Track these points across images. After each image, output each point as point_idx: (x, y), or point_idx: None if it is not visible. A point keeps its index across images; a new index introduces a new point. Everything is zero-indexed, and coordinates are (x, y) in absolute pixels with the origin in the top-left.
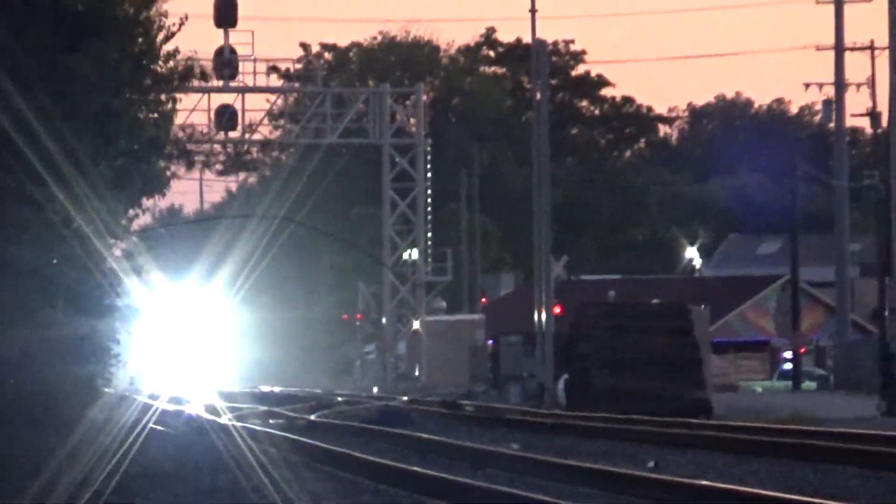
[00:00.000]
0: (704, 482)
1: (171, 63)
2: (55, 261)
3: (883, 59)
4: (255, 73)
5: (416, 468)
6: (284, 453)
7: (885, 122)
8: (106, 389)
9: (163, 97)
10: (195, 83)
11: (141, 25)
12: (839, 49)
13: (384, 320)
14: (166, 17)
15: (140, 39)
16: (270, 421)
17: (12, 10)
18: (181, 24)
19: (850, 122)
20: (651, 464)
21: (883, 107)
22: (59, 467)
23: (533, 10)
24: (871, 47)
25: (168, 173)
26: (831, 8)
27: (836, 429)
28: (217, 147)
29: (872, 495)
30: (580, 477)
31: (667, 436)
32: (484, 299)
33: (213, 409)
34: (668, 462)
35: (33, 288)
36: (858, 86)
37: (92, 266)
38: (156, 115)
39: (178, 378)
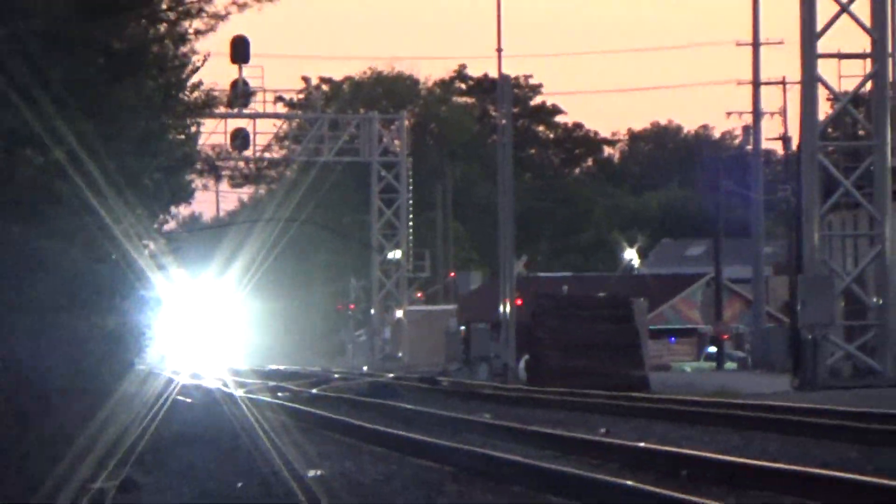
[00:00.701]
0: (648, 445)
1: (196, 93)
2: (111, 258)
3: (794, 92)
4: (264, 101)
5: (405, 433)
6: (292, 421)
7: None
8: (139, 367)
9: (188, 121)
10: (222, 109)
11: (177, 60)
12: (756, 84)
13: (372, 310)
14: (194, 53)
15: (170, 73)
16: (278, 394)
17: (71, 51)
18: (204, 60)
19: (765, 144)
20: (603, 430)
21: (794, 132)
22: (101, 428)
23: (499, 50)
24: (783, 82)
25: (193, 185)
26: (749, 49)
27: (757, 401)
28: (242, 163)
29: (790, 457)
30: (544, 441)
31: (613, 407)
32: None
33: (228, 384)
34: (616, 429)
35: (84, 284)
36: (772, 114)
37: (125, 265)
38: (183, 136)
39: (196, 358)
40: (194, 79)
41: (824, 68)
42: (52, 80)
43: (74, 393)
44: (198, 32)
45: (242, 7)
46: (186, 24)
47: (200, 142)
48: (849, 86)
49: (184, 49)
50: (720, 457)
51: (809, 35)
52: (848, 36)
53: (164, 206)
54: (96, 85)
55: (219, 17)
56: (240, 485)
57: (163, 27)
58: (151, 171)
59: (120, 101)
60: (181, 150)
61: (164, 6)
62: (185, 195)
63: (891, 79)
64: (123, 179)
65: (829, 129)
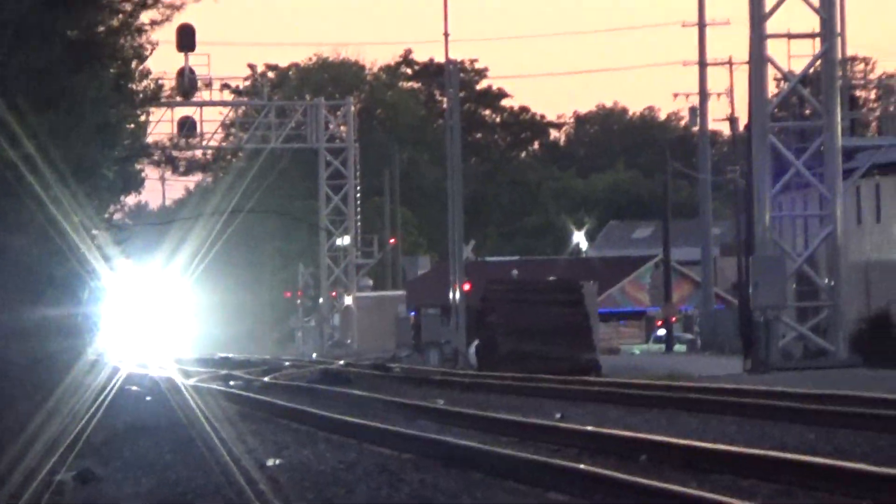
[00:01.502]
0: (606, 429)
1: (144, 82)
2: (63, 251)
3: (740, 73)
4: (210, 89)
5: (361, 420)
6: (247, 409)
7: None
8: (89, 358)
9: (138, 111)
10: (178, 99)
11: (132, 50)
12: (702, 64)
13: (321, 298)
14: (150, 44)
15: (121, 62)
16: (230, 382)
17: (28, 40)
18: (153, 49)
19: (711, 126)
20: (558, 415)
21: (740, 113)
22: (54, 418)
23: (446, 35)
24: (730, 63)
25: (143, 174)
26: (695, 30)
27: (711, 384)
28: (199, 153)
29: (749, 440)
30: (501, 427)
31: (566, 391)
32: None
33: (179, 373)
34: (570, 414)
35: (39, 276)
36: (719, 95)
37: (74, 258)
38: (132, 125)
39: (145, 348)
40: (142, 68)
41: (771, 49)
42: (8, 75)
43: (31, 385)
44: (154, 23)
45: None
46: (143, 14)
47: (148, 131)
48: (797, 66)
49: (140, 40)
50: (679, 441)
51: (758, 15)
52: (795, 16)
53: (116, 196)
54: (56, 76)
55: (174, 8)
56: None
57: (118, 19)
58: (109, 161)
59: (78, 92)
60: (136, 140)
61: None
62: (136, 184)
63: (839, 58)
64: (82, 171)
65: (776, 110)
